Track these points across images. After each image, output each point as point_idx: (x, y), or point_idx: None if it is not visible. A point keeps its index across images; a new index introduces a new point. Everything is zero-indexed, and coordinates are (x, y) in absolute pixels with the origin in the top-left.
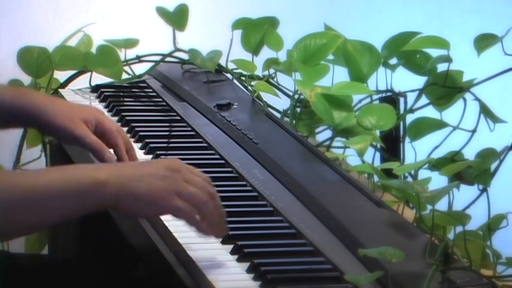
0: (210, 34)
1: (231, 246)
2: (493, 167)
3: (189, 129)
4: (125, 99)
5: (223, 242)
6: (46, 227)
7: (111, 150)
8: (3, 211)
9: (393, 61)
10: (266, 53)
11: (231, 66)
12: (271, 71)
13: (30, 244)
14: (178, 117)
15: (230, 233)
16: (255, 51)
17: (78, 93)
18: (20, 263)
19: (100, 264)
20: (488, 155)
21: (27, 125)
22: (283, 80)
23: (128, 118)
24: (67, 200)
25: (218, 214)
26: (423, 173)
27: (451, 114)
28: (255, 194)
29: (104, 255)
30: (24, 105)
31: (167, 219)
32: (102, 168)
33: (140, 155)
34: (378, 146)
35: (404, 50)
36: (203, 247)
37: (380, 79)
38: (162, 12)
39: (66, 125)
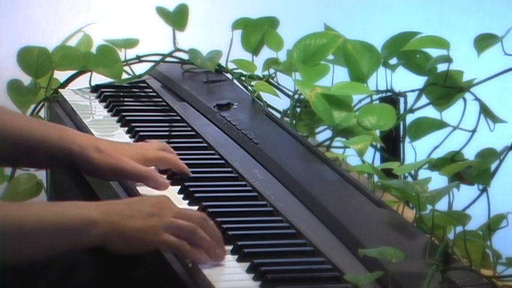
0: (210, 34)
1: (231, 246)
2: (493, 167)
3: (189, 129)
4: (125, 99)
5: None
6: (34, 261)
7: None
8: None
9: (393, 61)
10: (266, 53)
11: (231, 66)
12: (271, 71)
13: None
14: (178, 117)
15: (230, 233)
16: (255, 51)
17: (78, 93)
18: (20, 263)
19: (100, 264)
20: (488, 155)
21: (64, 165)
22: (283, 80)
23: (127, 118)
24: (57, 237)
25: (212, 239)
26: (423, 173)
27: (451, 114)
28: (255, 194)
29: (104, 255)
30: (66, 145)
31: None
32: (93, 206)
33: None
34: (378, 146)
35: (404, 50)
36: None
37: (380, 79)
38: (162, 12)
39: (111, 162)
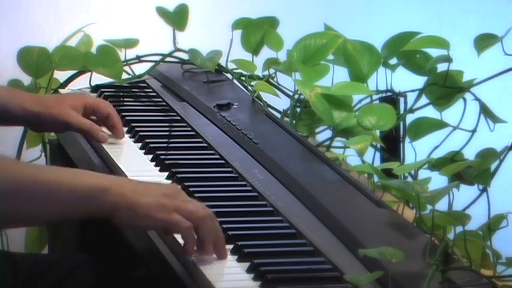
0: (210, 34)
1: (231, 246)
2: (493, 167)
3: (189, 129)
4: (125, 99)
5: None
6: (43, 224)
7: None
8: (4, 198)
9: (393, 61)
10: (266, 53)
11: (231, 66)
12: (271, 71)
13: (30, 244)
14: (178, 117)
15: (230, 233)
16: (255, 51)
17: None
18: (20, 263)
19: (100, 264)
20: (488, 155)
21: (21, 123)
22: (283, 80)
23: (127, 118)
24: (71, 200)
25: (216, 234)
26: (423, 173)
27: (451, 114)
28: (255, 194)
29: (104, 255)
30: (20, 106)
31: None
32: (107, 177)
33: (140, 155)
34: (378, 146)
35: (404, 50)
36: None
37: (380, 79)
38: (162, 12)
39: (57, 115)
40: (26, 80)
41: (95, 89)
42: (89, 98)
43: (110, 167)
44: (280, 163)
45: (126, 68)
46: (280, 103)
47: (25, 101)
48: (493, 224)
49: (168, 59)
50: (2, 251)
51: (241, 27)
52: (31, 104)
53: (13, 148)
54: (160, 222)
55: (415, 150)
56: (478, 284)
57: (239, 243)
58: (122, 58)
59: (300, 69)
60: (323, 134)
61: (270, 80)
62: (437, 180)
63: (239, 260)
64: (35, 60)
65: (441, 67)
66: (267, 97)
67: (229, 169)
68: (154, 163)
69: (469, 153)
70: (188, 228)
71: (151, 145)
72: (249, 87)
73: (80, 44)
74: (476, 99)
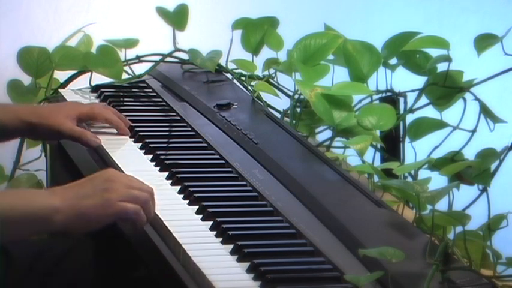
0: (210, 34)
1: (231, 246)
2: (493, 167)
3: (189, 129)
4: (125, 99)
5: (223, 242)
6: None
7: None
8: None
9: (393, 61)
10: (266, 53)
11: (231, 66)
12: (271, 71)
13: None
14: (178, 117)
15: (230, 233)
16: (255, 51)
17: (78, 93)
18: (16, 250)
19: (100, 264)
20: (488, 155)
21: (17, 135)
22: (283, 80)
23: (128, 118)
24: (25, 224)
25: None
26: (423, 173)
27: (451, 114)
28: (255, 194)
29: (104, 254)
30: (18, 118)
31: (168, 219)
32: (53, 194)
33: (140, 155)
34: (378, 146)
35: (404, 50)
36: (203, 247)
37: (380, 79)
38: (162, 12)
39: (50, 125)
40: (26, 80)
41: (95, 89)
42: (84, 108)
43: (110, 167)
44: (280, 163)
45: (126, 68)
46: (280, 103)
47: (20, 112)
48: (493, 224)
49: (168, 59)
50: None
51: (241, 27)
52: (26, 114)
53: (13, 148)
54: (112, 217)
55: (415, 150)
56: (478, 284)
57: (239, 243)
58: (122, 58)
59: (300, 69)
60: (323, 134)
61: (270, 80)
62: (437, 180)
63: (239, 260)
64: (35, 60)
65: (441, 67)
66: (267, 97)
67: (229, 169)
68: (154, 163)
69: (469, 153)
70: (137, 213)
71: (151, 145)
72: (249, 87)
73: (80, 44)
74: (476, 99)
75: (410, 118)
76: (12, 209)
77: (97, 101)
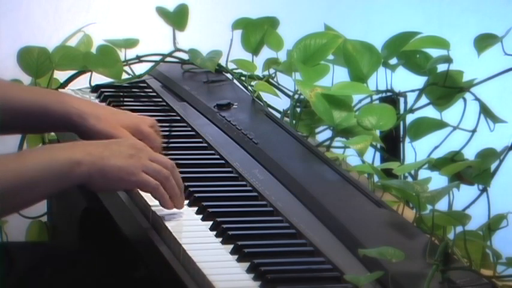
0: (210, 34)
1: (231, 246)
2: (493, 167)
3: (189, 129)
4: (125, 99)
5: (223, 242)
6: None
7: None
8: None
9: (393, 61)
10: (266, 53)
11: (231, 66)
12: (271, 71)
13: (30, 235)
14: (178, 117)
15: (230, 233)
16: (255, 51)
17: (78, 93)
18: (19, 254)
19: (100, 263)
20: (488, 155)
21: (66, 130)
22: (283, 80)
23: None
24: (51, 181)
25: (179, 187)
26: (423, 173)
27: (451, 114)
28: (255, 194)
29: (104, 254)
30: (65, 111)
31: (167, 219)
32: (76, 147)
33: None
34: (378, 146)
35: (404, 50)
36: (203, 247)
37: (380, 79)
38: (162, 12)
39: (107, 131)
40: (26, 80)
41: (95, 89)
42: (145, 126)
43: None
44: (280, 163)
45: (126, 68)
46: (280, 103)
47: (74, 106)
48: (493, 224)
49: (168, 59)
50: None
51: (241, 27)
52: (83, 113)
53: (13, 148)
54: (131, 184)
55: (415, 150)
56: (478, 284)
57: (239, 243)
58: (122, 58)
59: (300, 69)
60: (323, 134)
61: (270, 80)
62: (437, 180)
63: (239, 260)
64: (35, 60)
65: (441, 67)
66: (267, 97)
67: (229, 169)
68: None
69: (469, 153)
70: (157, 188)
71: None
72: (249, 87)
73: (80, 44)
74: (476, 99)
75: (410, 118)
76: (35, 169)
77: (97, 101)
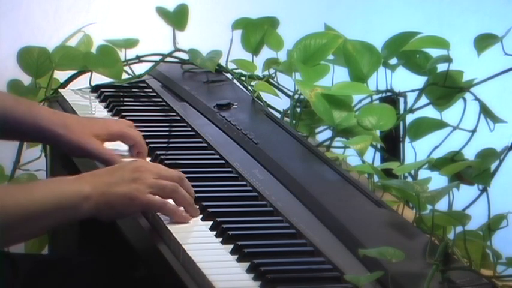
0: (210, 34)
1: (231, 246)
2: (493, 167)
3: (189, 129)
4: (125, 99)
5: (223, 242)
6: (39, 236)
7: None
8: (5, 228)
9: (393, 61)
10: (266, 53)
11: (231, 66)
12: (271, 71)
13: (30, 244)
14: (178, 117)
15: (230, 233)
16: (255, 51)
17: (78, 93)
18: (20, 263)
19: (100, 264)
20: (488, 155)
21: (38, 140)
22: (283, 80)
23: (128, 118)
24: (58, 214)
25: (189, 196)
26: (423, 173)
27: (451, 114)
28: (255, 194)
29: (104, 255)
30: (35, 122)
31: (167, 220)
32: (83, 180)
33: None
34: (378, 146)
35: (404, 50)
36: (203, 247)
37: (380, 79)
38: (162, 12)
39: (77, 141)
40: (26, 80)
41: (95, 89)
42: (113, 127)
43: None
44: (280, 163)
45: (126, 68)
46: (280, 103)
47: (44, 118)
48: (493, 224)
49: (168, 59)
50: (1, 251)
51: (241, 27)
52: (53, 124)
53: (13, 148)
54: (137, 207)
55: (415, 150)
56: (478, 284)
57: (239, 243)
58: (122, 58)
59: (300, 69)
60: (323, 134)
61: (270, 80)
62: (437, 180)
63: (239, 260)
64: (35, 60)
65: (441, 67)
66: (267, 97)
67: (229, 169)
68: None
69: (469, 153)
70: (163, 205)
71: (151, 145)
72: (249, 87)
73: (80, 44)
74: (476, 99)
75: (410, 118)
76: (43, 203)
77: (97, 101)
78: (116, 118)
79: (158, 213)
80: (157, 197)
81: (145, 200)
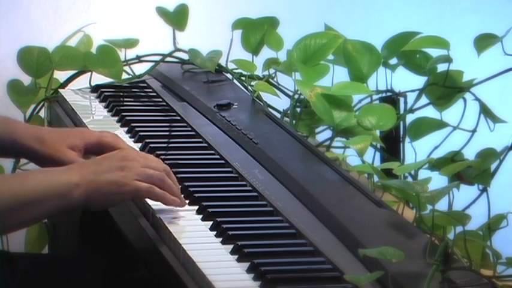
0: (210, 34)
1: (231, 246)
2: (493, 167)
3: (189, 129)
4: (125, 99)
5: (223, 242)
6: (32, 224)
7: None
8: (1, 214)
9: (393, 61)
10: (266, 53)
11: (231, 66)
12: (271, 71)
13: (30, 244)
14: (178, 117)
15: (230, 233)
16: (255, 51)
17: (78, 93)
18: (19, 263)
19: (100, 264)
20: (488, 155)
21: (14, 156)
22: (283, 80)
23: (128, 118)
24: (50, 201)
25: (175, 188)
26: (423, 173)
27: (451, 114)
28: (255, 194)
29: (104, 255)
30: (9, 136)
31: (167, 220)
32: (72, 170)
33: None
34: (378, 146)
35: (404, 50)
36: (203, 247)
37: (380, 79)
38: (162, 12)
39: (50, 154)
40: (26, 80)
41: (95, 89)
42: (91, 137)
43: None
44: (280, 163)
45: (126, 68)
46: (280, 103)
47: (20, 134)
48: (493, 224)
49: (168, 59)
50: (2, 251)
51: (241, 27)
52: (27, 138)
53: None
54: (125, 194)
55: (415, 150)
56: (478, 284)
57: (239, 243)
58: (122, 58)
59: (300, 69)
60: (323, 134)
61: (270, 80)
62: (437, 180)
63: (239, 260)
64: (35, 60)
65: (441, 67)
66: (267, 97)
67: (229, 169)
68: None
69: (469, 153)
70: (151, 190)
71: (151, 145)
72: (249, 87)
73: (80, 44)
74: (476, 99)
75: (410, 118)
76: (35, 190)
77: (97, 101)
78: (116, 118)
79: (158, 215)
80: (144, 183)
81: (133, 186)
